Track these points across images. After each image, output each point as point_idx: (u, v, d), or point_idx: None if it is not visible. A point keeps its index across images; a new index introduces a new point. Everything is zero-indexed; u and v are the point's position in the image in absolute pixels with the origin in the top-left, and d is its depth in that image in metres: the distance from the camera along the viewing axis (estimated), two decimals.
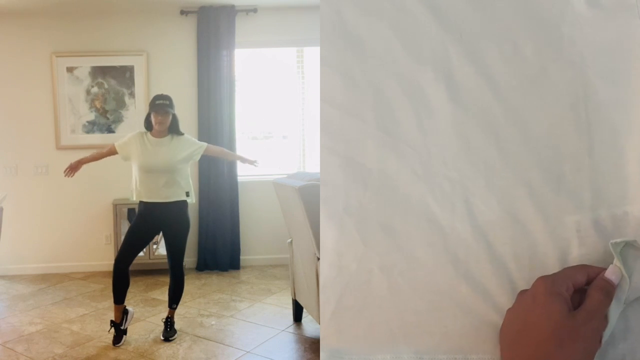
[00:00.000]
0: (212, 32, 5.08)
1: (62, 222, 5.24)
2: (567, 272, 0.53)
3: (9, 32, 5.06)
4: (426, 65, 0.65)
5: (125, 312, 3.57)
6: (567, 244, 0.59)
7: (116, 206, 5.05)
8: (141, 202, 3.50)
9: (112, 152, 3.60)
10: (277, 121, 5.62)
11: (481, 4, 0.65)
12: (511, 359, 0.50)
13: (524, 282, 0.59)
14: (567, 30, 0.63)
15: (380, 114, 0.66)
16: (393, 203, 0.65)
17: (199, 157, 3.66)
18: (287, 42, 5.34)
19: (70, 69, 5.13)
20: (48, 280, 4.99)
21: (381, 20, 0.66)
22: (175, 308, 3.68)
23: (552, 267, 0.58)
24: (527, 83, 0.64)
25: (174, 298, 3.64)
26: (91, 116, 5.20)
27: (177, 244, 3.54)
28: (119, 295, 3.50)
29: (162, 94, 3.53)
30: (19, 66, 5.10)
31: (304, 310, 3.78)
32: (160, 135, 3.50)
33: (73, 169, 3.57)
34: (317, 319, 3.34)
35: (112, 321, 3.54)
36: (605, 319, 0.50)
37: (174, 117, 3.52)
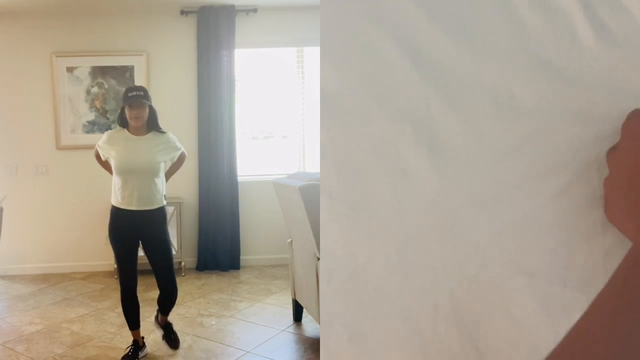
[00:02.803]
0: (212, 32, 5.08)
1: (62, 222, 5.23)
2: None
3: (9, 32, 5.06)
4: (404, 123, 0.53)
5: (143, 339, 3.36)
6: None
7: None
8: (116, 209, 3.14)
9: (99, 157, 3.27)
10: (277, 121, 5.62)
11: (470, 44, 0.52)
12: (632, 206, 0.45)
13: None
14: (574, 72, 0.51)
15: (346, 184, 0.53)
16: (362, 301, 0.52)
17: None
18: (287, 42, 5.34)
19: (70, 69, 5.13)
20: (48, 280, 4.99)
21: (350, 69, 0.53)
22: (167, 315, 3.40)
23: None
24: (525, 144, 0.51)
25: (167, 307, 3.34)
26: (91, 116, 5.20)
27: (164, 252, 3.19)
28: (134, 321, 3.26)
29: (135, 85, 3.20)
30: (19, 66, 5.10)
31: (304, 310, 3.78)
32: (138, 132, 3.11)
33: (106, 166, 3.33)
34: (317, 319, 3.34)
35: (134, 341, 3.28)
36: None
37: (152, 110, 3.13)
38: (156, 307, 3.43)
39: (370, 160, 0.53)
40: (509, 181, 0.51)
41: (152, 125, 3.13)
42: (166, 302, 3.28)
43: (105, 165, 3.28)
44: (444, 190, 0.52)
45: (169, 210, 4.12)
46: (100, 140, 3.21)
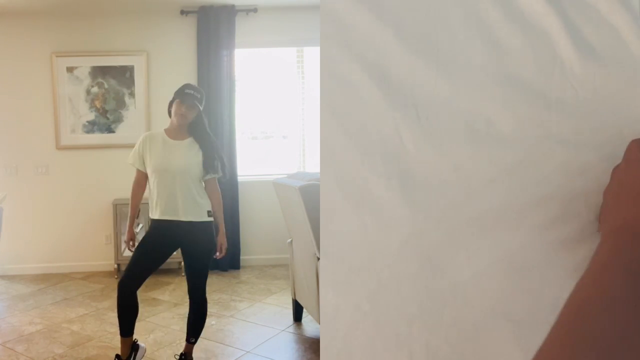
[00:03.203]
0: (212, 32, 5.08)
1: (63, 222, 5.23)
2: None
3: (9, 32, 5.06)
4: (374, 156, 0.48)
5: (134, 348, 3.01)
6: None
7: (116, 206, 5.04)
8: (155, 221, 2.92)
9: (140, 174, 2.99)
10: (277, 121, 5.62)
11: (443, 68, 0.48)
12: (611, 218, 0.45)
13: None
14: (556, 95, 0.47)
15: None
16: (331, 355, 0.48)
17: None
18: (287, 42, 5.34)
19: (70, 69, 5.13)
20: (48, 280, 4.99)
21: (323, 99, 0.49)
22: (195, 342, 3.06)
23: None
24: (505, 175, 0.47)
25: (193, 331, 3.04)
26: (91, 116, 5.20)
27: (198, 267, 2.97)
28: (126, 325, 2.91)
29: (194, 85, 2.97)
30: (19, 66, 5.10)
31: (304, 310, 3.78)
32: (177, 135, 2.90)
33: (131, 237, 3.04)
34: (317, 319, 3.34)
35: (117, 356, 2.98)
36: None
37: (200, 116, 2.91)
38: (156, 307, 3.39)
39: (337, 199, 0.47)
40: (489, 216, 0.46)
41: (194, 131, 2.92)
42: (196, 319, 3.04)
43: (140, 191, 3.02)
44: (419, 228, 0.47)
45: None
46: (131, 154, 2.98)
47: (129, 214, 3.09)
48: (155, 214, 2.92)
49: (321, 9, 0.48)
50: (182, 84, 2.99)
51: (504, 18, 0.47)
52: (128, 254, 3.36)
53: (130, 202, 3.05)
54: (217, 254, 3.04)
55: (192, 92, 2.87)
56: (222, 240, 3.02)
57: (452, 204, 0.47)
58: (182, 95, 2.86)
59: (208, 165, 2.90)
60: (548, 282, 0.45)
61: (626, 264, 0.41)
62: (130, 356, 2.98)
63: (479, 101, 0.47)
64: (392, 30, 0.48)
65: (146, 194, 3.03)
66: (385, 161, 0.48)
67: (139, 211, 3.08)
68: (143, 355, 3.11)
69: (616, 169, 0.46)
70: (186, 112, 2.85)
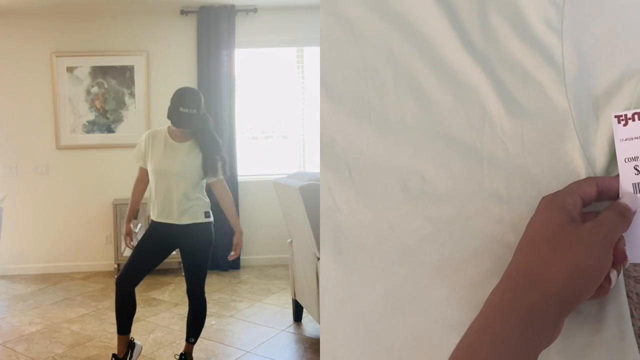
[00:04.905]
0: (212, 32, 5.08)
1: (63, 222, 5.23)
2: (571, 185, 0.47)
3: (9, 32, 5.06)
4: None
5: (131, 346, 3.01)
6: None
7: (116, 206, 5.04)
8: (153, 222, 2.93)
9: (142, 172, 2.98)
10: (277, 121, 5.62)
11: (376, 127, 0.48)
12: (510, 263, 0.46)
13: None
14: (487, 150, 0.47)
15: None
16: None
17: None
18: (287, 42, 5.34)
19: (70, 69, 5.13)
20: (48, 280, 4.99)
21: None
22: (194, 342, 3.05)
23: None
24: (440, 231, 0.47)
25: (193, 330, 3.04)
26: (91, 116, 5.20)
27: (196, 267, 2.95)
28: (124, 323, 2.93)
29: (188, 95, 2.79)
30: (19, 66, 5.10)
31: (304, 310, 3.78)
32: (179, 136, 2.87)
33: (129, 233, 3.04)
34: (317, 319, 3.34)
35: (114, 355, 3.00)
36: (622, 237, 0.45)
37: (203, 119, 2.87)
38: (156, 307, 3.40)
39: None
40: (424, 273, 0.46)
41: (196, 133, 2.86)
42: (195, 319, 3.03)
43: (141, 188, 3.03)
44: (355, 291, 0.47)
45: None
46: (135, 151, 2.97)
47: (128, 209, 3.10)
48: (153, 215, 2.93)
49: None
50: (178, 89, 2.88)
51: (435, 75, 0.47)
52: (128, 253, 3.36)
53: (131, 200, 3.07)
54: (232, 253, 3.05)
55: (186, 110, 2.74)
56: (238, 239, 3.04)
57: (387, 263, 0.47)
58: (176, 117, 2.75)
59: (207, 168, 2.86)
60: None
61: (519, 308, 0.41)
62: (127, 354, 2.99)
63: (413, 158, 0.47)
64: (325, 89, 0.49)
65: (147, 194, 3.04)
66: (322, 222, 0.48)
67: (139, 211, 3.06)
68: (139, 354, 3.11)
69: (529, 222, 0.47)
70: (182, 134, 2.84)
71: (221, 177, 2.97)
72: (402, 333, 0.46)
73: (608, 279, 0.44)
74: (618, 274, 0.45)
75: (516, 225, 0.47)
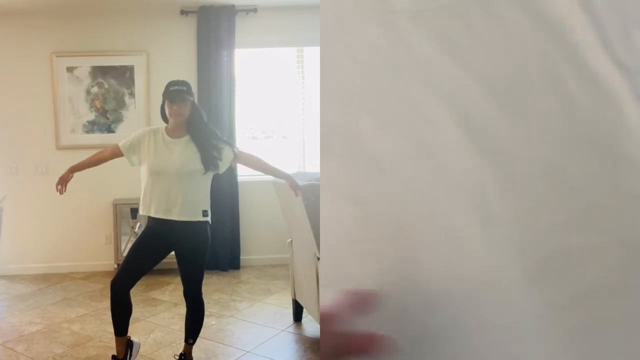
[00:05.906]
0: (212, 32, 5.08)
1: (62, 222, 5.23)
2: None
3: (9, 32, 5.06)
4: (458, 194, 0.54)
5: (129, 345, 2.99)
6: None
7: (116, 206, 5.05)
8: (149, 218, 2.85)
9: (116, 154, 2.93)
10: (277, 121, 5.62)
11: (522, 119, 0.51)
12: None
13: None
14: (623, 150, 0.49)
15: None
16: None
17: (224, 168, 2.94)
18: (287, 42, 5.34)
19: (70, 69, 5.13)
20: (48, 280, 4.99)
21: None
22: (193, 343, 3.01)
23: None
24: (577, 220, 0.50)
25: (191, 332, 3.00)
26: (91, 116, 5.20)
27: (192, 267, 2.89)
28: (120, 325, 2.90)
29: (177, 80, 2.87)
30: (19, 66, 5.10)
31: (304, 310, 3.78)
32: (176, 133, 2.83)
33: (64, 180, 2.92)
34: (317, 319, 3.34)
35: (113, 357, 2.98)
36: None
37: (195, 108, 2.84)
38: (156, 307, 3.39)
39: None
40: (564, 259, 0.51)
41: (192, 127, 2.83)
42: (193, 319, 2.99)
43: (101, 160, 3.02)
44: (498, 263, 0.52)
45: None
46: (126, 140, 2.92)
47: (77, 164, 3.00)
48: (150, 211, 2.83)
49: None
50: (168, 82, 2.88)
51: (578, 77, 0.51)
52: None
53: (87, 159, 3.01)
54: (296, 192, 2.98)
55: (177, 87, 2.77)
56: (291, 182, 2.99)
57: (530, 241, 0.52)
58: (169, 94, 2.77)
59: (207, 162, 2.82)
60: None
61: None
62: (126, 354, 2.97)
63: (553, 152, 0.51)
64: (477, 77, 0.52)
65: (139, 193, 2.91)
66: (468, 199, 0.53)
67: (139, 212, 3.02)
68: (138, 351, 3.09)
69: None
70: (179, 109, 2.77)
71: (236, 150, 2.97)
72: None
73: None
74: None
75: None
